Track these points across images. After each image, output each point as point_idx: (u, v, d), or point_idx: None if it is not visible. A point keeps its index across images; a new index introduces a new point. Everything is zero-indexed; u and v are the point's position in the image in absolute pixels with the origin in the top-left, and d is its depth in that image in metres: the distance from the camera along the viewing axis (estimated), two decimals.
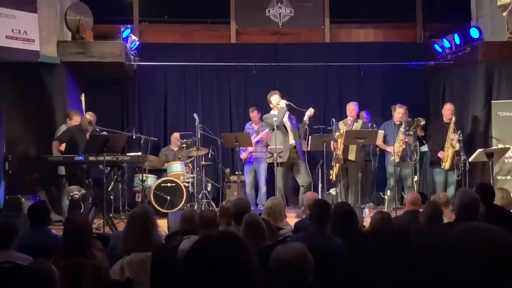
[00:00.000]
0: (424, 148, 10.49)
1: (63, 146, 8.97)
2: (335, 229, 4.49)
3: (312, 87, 11.66)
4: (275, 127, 9.46)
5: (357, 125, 9.71)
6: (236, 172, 10.46)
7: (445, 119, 9.82)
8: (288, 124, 9.56)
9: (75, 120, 9.27)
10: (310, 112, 9.47)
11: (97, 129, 9.07)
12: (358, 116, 10.04)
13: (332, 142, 9.50)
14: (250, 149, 10.41)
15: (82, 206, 8.53)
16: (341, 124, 9.61)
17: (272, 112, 9.71)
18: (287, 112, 9.66)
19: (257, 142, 10.40)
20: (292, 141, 9.46)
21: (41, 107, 9.69)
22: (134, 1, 11.72)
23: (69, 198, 8.45)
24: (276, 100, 9.67)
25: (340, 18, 12.33)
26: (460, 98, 10.87)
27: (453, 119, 9.62)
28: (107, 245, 5.01)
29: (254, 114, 10.75)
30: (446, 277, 1.65)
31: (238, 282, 1.72)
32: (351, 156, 9.57)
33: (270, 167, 10.24)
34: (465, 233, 1.71)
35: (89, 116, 9.18)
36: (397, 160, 9.49)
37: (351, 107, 9.83)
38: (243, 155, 10.49)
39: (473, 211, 4.72)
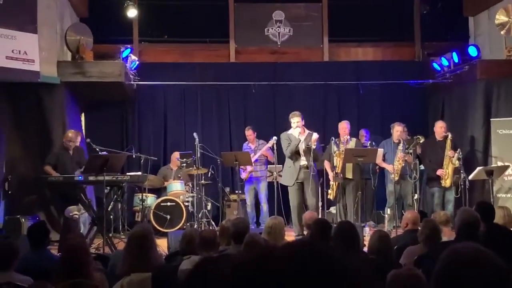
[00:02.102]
0: None
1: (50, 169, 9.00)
2: (337, 248, 4.47)
3: (311, 105, 11.65)
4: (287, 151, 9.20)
5: (352, 144, 9.67)
6: (236, 191, 10.46)
7: (438, 137, 9.79)
8: (302, 146, 9.11)
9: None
10: (315, 136, 9.24)
11: (97, 148, 9.09)
12: (351, 135, 9.96)
13: (325, 161, 9.49)
14: (249, 168, 10.42)
15: (80, 226, 8.54)
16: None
17: (289, 131, 9.31)
18: (305, 134, 9.23)
19: (255, 161, 10.40)
20: (304, 162, 9.10)
21: (40, 127, 9.69)
22: (133, 21, 11.78)
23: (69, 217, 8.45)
24: (294, 125, 9.25)
25: (338, 37, 12.39)
26: (459, 117, 10.90)
27: (449, 136, 9.61)
28: (106, 265, 5.00)
29: (249, 133, 10.77)
30: None
31: None
32: (349, 175, 9.56)
33: (270, 185, 10.24)
34: (449, 254, 1.72)
35: (71, 133, 9.21)
36: (396, 178, 9.48)
37: (344, 126, 9.78)
38: (243, 175, 10.49)
39: (473, 230, 4.71)
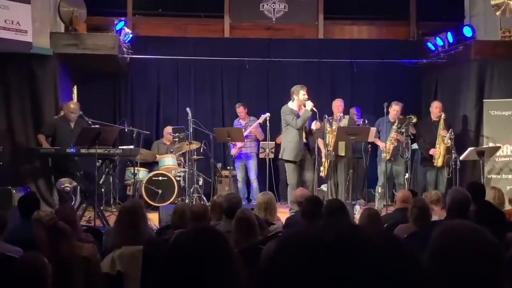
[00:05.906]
0: (416, 145, 10.51)
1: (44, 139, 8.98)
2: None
3: (304, 83, 11.51)
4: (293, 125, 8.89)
5: (345, 122, 9.67)
6: (228, 167, 10.47)
7: (433, 117, 9.87)
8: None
9: None
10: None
11: (89, 121, 9.05)
12: (344, 113, 9.93)
13: (318, 139, 9.45)
14: (239, 144, 10.42)
15: (73, 198, 8.54)
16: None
17: (290, 105, 9.03)
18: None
19: (246, 137, 10.39)
20: (304, 138, 8.99)
21: (32, 98, 9.63)
22: None
23: (61, 189, 8.46)
24: (304, 97, 8.98)
25: (333, 14, 12.33)
26: (452, 97, 10.91)
27: (443, 116, 9.67)
28: (97, 238, 5.01)
29: (240, 109, 10.78)
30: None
31: (217, 275, 1.74)
32: (341, 152, 9.56)
33: (263, 162, 10.24)
34: (445, 232, 1.73)
35: (73, 105, 9.17)
36: (388, 157, 9.52)
37: (338, 104, 9.77)
38: (233, 151, 10.50)
39: (464, 209, 4.74)
